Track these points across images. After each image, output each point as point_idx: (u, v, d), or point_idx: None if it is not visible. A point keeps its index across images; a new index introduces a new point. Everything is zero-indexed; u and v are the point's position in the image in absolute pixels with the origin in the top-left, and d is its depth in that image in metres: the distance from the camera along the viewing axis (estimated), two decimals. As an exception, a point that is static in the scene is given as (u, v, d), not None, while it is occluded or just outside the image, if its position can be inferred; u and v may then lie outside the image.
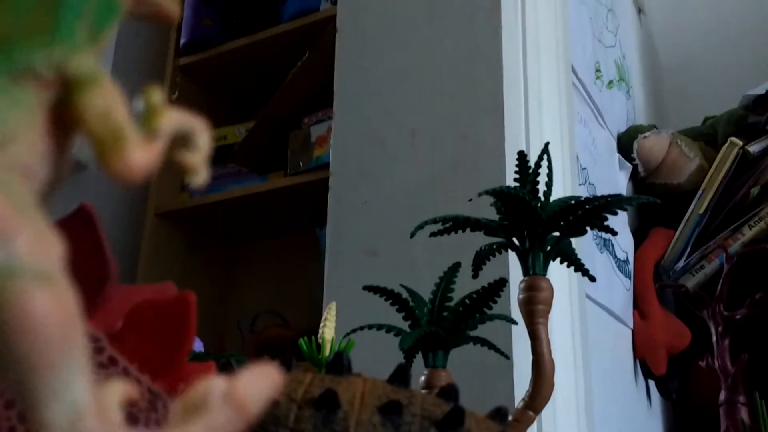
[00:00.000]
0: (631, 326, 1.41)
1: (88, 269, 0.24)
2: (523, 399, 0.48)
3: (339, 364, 0.37)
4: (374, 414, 0.34)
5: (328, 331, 0.59)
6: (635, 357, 1.40)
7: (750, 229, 1.41)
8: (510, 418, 0.49)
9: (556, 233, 0.49)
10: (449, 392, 0.36)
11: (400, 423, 0.34)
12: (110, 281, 0.25)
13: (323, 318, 0.60)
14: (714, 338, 0.73)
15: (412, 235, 0.49)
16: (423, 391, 0.36)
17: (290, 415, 0.33)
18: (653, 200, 0.47)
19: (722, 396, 0.72)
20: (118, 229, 1.77)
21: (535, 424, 0.48)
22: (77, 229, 0.25)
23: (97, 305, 0.24)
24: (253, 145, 1.64)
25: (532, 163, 0.49)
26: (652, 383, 1.45)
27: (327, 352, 0.57)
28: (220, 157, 1.70)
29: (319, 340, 0.58)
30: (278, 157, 1.59)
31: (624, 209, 0.48)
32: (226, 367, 0.37)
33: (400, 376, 0.36)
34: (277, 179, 1.57)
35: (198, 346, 0.75)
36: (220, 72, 1.77)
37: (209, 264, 1.80)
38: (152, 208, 1.67)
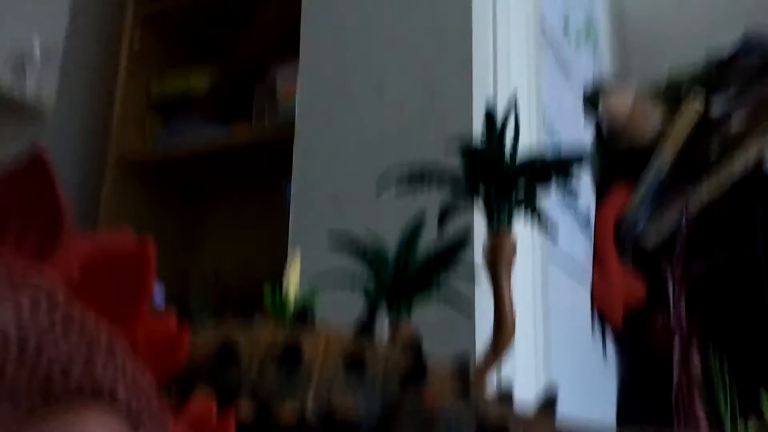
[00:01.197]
0: (590, 280, 1.44)
1: (41, 214, 0.24)
2: (483, 353, 0.49)
3: (304, 317, 0.36)
4: (339, 367, 0.34)
5: (292, 281, 0.59)
6: (592, 310, 1.43)
7: (708, 187, 1.44)
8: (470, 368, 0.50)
9: (522, 187, 0.49)
10: (412, 345, 0.36)
11: (363, 376, 0.34)
12: (65, 227, 0.24)
13: (288, 267, 0.59)
14: (670, 293, 0.75)
15: (379, 189, 0.49)
16: (386, 345, 0.37)
17: (253, 366, 0.33)
18: (617, 155, 0.47)
19: (676, 349, 0.74)
20: (79, 179, 1.74)
21: (494, 374, 0.49)
22: (30, 173, 0.24)
23: (52, 252, 0.23)
24: (218, 93, 1.61)
25: (499, 115, 0.49)
26: (607, 335, 1.49)
27: (291, 302, 0.58)
28: (183, 106, 1.66)
29: (284, 290, 0.58)
30: (243, 106, 1.57)
31: (588, 164, 0.48)
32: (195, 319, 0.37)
33: (364, 329, 0.36)
34: (242, 130, 1.55)
35: (159, 298, 0.75)
36: (182, 19, 1.72)
37: (173, 214, 1.78)
38: (113, 157, 1.63)
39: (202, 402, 0.27)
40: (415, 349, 0.36)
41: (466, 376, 0.37)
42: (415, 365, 0.35)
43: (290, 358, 0.34)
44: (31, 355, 0.21)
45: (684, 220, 0.78)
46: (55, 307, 0.22)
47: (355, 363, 0.34)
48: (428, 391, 0.34)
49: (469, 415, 0.34)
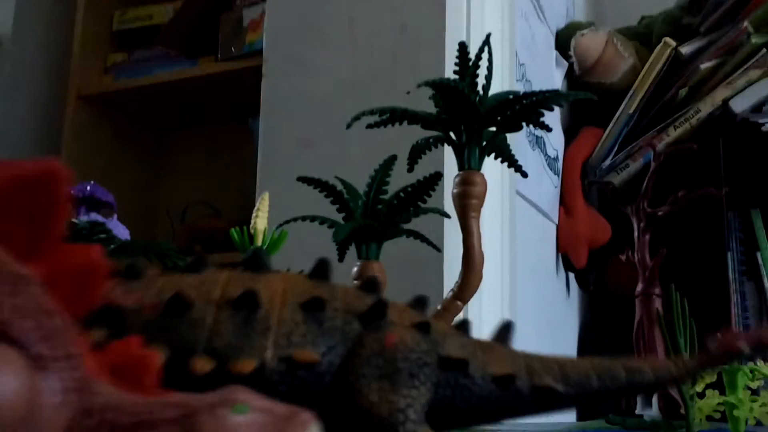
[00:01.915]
0: (557, 222, 1.45)
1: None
2: (452, 290, 0.50)
3: (256, 261, 0.35)
4: (296, 311, 0.33)
5: (260, 221, 0.58)
6: (558, 251, 1.46)
7: (675, 129, 1.45)
8: (439, 307, 0.50)
9: (493, 128, 0.49)
10: (371, 285, 0.36)
11: (322, 319, 0.33)
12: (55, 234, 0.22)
13: (255, 208, 0.59)
14: (636, 233, 0.76)
15: (349, 126, 0.48)
16: (344, 285, 0.36)
17: (207, 317, 0.32)
18: (589, 96, 0.47)
19: (639, 288, 0.76)
20: (39, 113, 1.69)
21: (461, 313, 0.49)
22: (39, 185, 0.22)
23: None
24: (182, 25, 1.56)
25: (472, 56, 0.48)
26: (572, 275, 1.52)
27: (259, 242, 0.57)
28: (146, 38, 1.61)
29: (252, 231, 0.57)
30: (209, 40, 1.52)
31: (560, 105, 0.48)
32: (132, 270, 0.34)
33: (321, 271, 0.35)
34: (208, 64, 1.51)
35: (124, 233, 0.74)
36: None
37: (138, 151, 1.74)
38: (74, 90, 1.58)
39: (124, 342, 0.26)
40: (373, 288, 0.36)
41: (424, 311, 0.37)
42: (374, 305, 0.34)
43: (247, 303, 0.32)
44: None
45: (651, 161, 0.78)
46: None
47: (313, 306, 0.33)
48: (388, 330, 0.34)
49: (430, 351, 0.34)
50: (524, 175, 0.50)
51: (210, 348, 0.31)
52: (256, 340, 0.32)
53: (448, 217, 0.53)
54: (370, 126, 0.49)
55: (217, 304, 0.32)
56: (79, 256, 0.24)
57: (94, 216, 0.80)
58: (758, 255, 1.38)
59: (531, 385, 0.36)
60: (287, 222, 0.53)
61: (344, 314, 0.34)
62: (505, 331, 0.38)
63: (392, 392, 0.32)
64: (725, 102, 1.42)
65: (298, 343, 0.32)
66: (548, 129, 0.48)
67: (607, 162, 1.50)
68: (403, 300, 0.37)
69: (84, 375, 0.23)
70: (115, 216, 0.81)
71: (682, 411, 0.52)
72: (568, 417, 1.25)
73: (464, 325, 0.38)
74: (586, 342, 1.51)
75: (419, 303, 0.37)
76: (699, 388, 0.53)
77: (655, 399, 0.78)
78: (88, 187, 0.83)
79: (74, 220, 0.64)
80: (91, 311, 0.32)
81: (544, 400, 0.36)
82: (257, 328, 0.32)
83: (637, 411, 0.80)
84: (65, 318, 0.23)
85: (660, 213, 0.75)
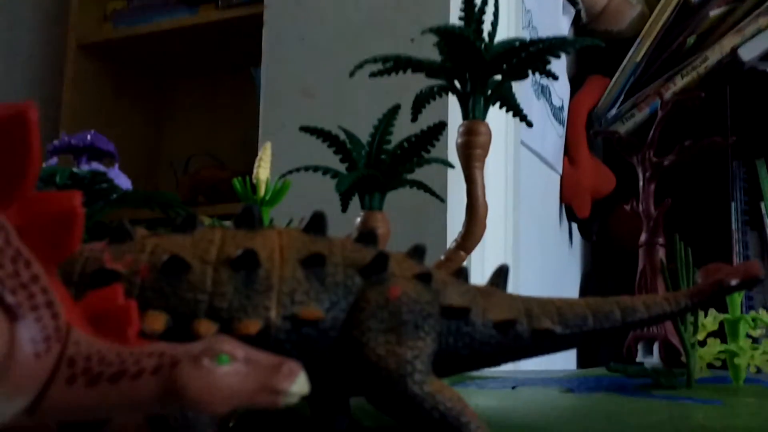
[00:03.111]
0: (561, 172, 1.45)
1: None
2: (455, 240, 0.50)
3: (249, 218, 0.34)
4: (297, 268, 0.32)
5: (263, 171, 0.58)
6: (561, 201, 1.46)
7: (682, 78, 1.44)
8: (442, 258, 0.50)
9: (498, 76, 0.48)
10: (368, 236, 0.35)
11: (324, 274, 0.33)
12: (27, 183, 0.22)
13: (258, 158, 0.59)
14: (641, 183, 0.76)
15: (352, 74, 0.47)
16: (341, 238, 0.36)
17: (206, 279, 0.31)
18: (596, 43, 0.46)
19: (643, 237, 0.76)
20: (38, 63, 1.67)
21: (465, 264, 0.50)
22: (9, 127, 0.21)
23: None
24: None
25: (477, 2, 0.47)
26: (575, 226, 1.52)
27: (262, 193, 0.57)
28: (145, -15, 1.58)
29: (254, 181, 0.57)
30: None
31: (567, 52, 0.47)
32: (120, 232, 0.33)
33: (317, 225, 0.35)
34: (209, 12, 1.49)
35: (126, 183, 0.74)
36: None
37: (139, 102, 1.73)
38: (73, 40, 1.56)
39: (104, 291, 0.25)
40: (370, 240, 0.35)
41: (422, 260, 0.36)
42: (375, 258, 0.34)
43: (246, 262, 0.31)
44: None
45: (658, 110, 0.77)
46: None
47: (313, 262, 0.33)
48: (391, 282, 0.33)
49: (432, 301, 0.34)
50: (529, 124, 0.50)
51: (212, 310, 0.31)
52: (259, 300, 0.31)
53: (452, 167, 0.52)
54: (373, 74, 0.48)
55: (214, 266, 0.31)
56: (54, 203, 0.23)
57: (96, 165, 0.80)
58: (762, 205, 1.38)
59: (531, 329, 0.36)
60: (290, 172, 0.53)
61: (345, 268, 0.33)
62: (499, 274, 0.38)
63: (399, 344, 0.32)
64: (734, 50, 1.40)
65: (302, 300, 0.32)
66: (555, 77, 0.47)
67: (613, 111, 1.49)
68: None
69: (64, 324, 0.23)
70: (117, 165, 0.81)
71: (683, 359, 0.52)
72: (569, 364, 1.26)
73: (462, 272, 0.38)
74: (589, 292, 1.52)
75: (417, 252, 0.37)
76: (700, 336, 0.53)
77: (656, 347, 0.79)
78: (89, 137, 0.83)
79: (75, 169, 0.64)
80: (85, 274, 0.31)
81: (543, 343, 0.36)
82: (259, 288, 0.31)
83: (638, 359, 0.80)
84: (42, 266, 0.23)
85: (666, 162, 0.74)
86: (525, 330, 0.36)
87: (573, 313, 0.36)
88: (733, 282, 0.36)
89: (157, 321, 0.30)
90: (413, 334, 0.33)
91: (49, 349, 0.22)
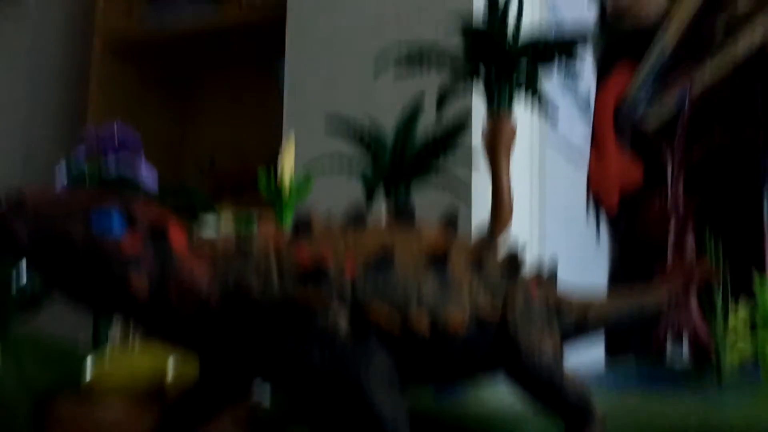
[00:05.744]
0: (588, 163, 1.43)
1: None
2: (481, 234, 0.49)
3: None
4: (468, 269, 0.34)
5: (287, 164, 0.58)
6: (588, 193, 1.44)
7: (712, 67, 1.41)
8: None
9: (523, 68, 0.47)
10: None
11: (485, 275, 0.35)
12: None
13: (282, 151, 0.59)
14: (669, 175, 0.75)
15: (376, 75, 0.47)
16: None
17: (411, 275, 0.33)
18: (619, 35, 0.45)
19: (671, 232, 0.75)
20: (66, 63, 1.69)
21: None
22: None
23: None
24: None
25: (502, -6, 0.46)
26: (601, 219, 1.50)
27: (286, 181, 0.57)
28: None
29: (279, 174, 0.57)
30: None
31: (591, 44, 0.46)
32: (303, 225, 0.33)
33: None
34: (233, 9, 1.50)
35: (151, 174, 0.74)
36: None
37: (164, 97, 1.74)
38: (100, 39, 1.58)
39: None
40: (451, 224, 0.36)
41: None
42: (510, 258, 0.36)
43: (439, 262, 0.33)
44: None
45: (686, 102, 0.76)
46: None
47: (479, 263, 0.35)
48: (525, 282, 0.36)
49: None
50: (554, 117, 0.49)
51: (422, 305, 0.32)
52: (455, 299, 0.33)
53: (477, 164, 0.52)
54: (398, 70, 0.48)
55: (414, 263, 0.33)
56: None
57: (122, 154, 0.81)
58: (795, 197, 1.35)
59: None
60: (314, 167, 0.53)
61: (493, 269, 0.36)
62: (511, 260, 0.38)
63: (546, 339, 0.35)
64: (764, 39, 1.37)
65: (483, 302, 0.34)
66: (577, 73, 0.47)
67: (642, 101, 1.46)
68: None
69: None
70: (143, 155, 0.82)
71: (713, 356, 0.51)
72: (597, 350, 1.25)
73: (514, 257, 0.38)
74: (616, 288, 1.51)
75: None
76: (732, 333, 0.52)
77: (685, 342, 0.77)
78: (114, 127, 0.84)
79: (102, 165, 0.64)
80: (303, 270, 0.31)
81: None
82: (452, 287, 0.33)
83: (667, 354, 0.79)
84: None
85: (696, 154, 0.73)
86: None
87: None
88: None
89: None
90: (549, 330, 0.36)
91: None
